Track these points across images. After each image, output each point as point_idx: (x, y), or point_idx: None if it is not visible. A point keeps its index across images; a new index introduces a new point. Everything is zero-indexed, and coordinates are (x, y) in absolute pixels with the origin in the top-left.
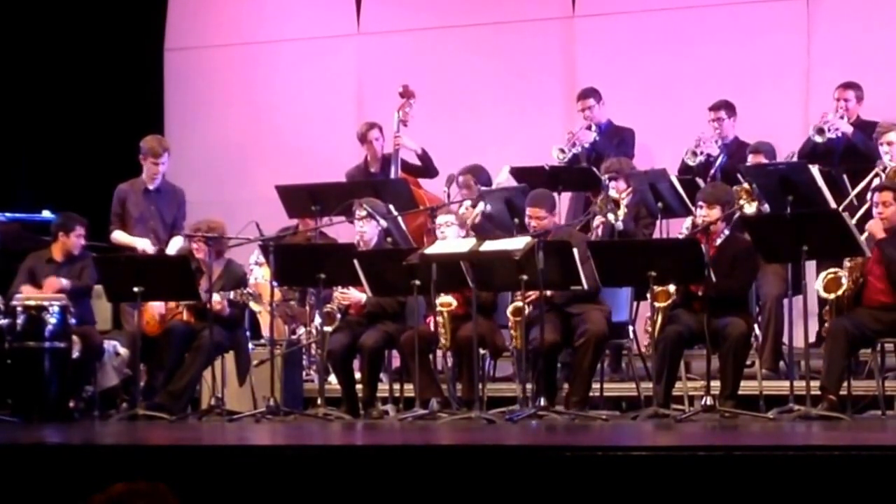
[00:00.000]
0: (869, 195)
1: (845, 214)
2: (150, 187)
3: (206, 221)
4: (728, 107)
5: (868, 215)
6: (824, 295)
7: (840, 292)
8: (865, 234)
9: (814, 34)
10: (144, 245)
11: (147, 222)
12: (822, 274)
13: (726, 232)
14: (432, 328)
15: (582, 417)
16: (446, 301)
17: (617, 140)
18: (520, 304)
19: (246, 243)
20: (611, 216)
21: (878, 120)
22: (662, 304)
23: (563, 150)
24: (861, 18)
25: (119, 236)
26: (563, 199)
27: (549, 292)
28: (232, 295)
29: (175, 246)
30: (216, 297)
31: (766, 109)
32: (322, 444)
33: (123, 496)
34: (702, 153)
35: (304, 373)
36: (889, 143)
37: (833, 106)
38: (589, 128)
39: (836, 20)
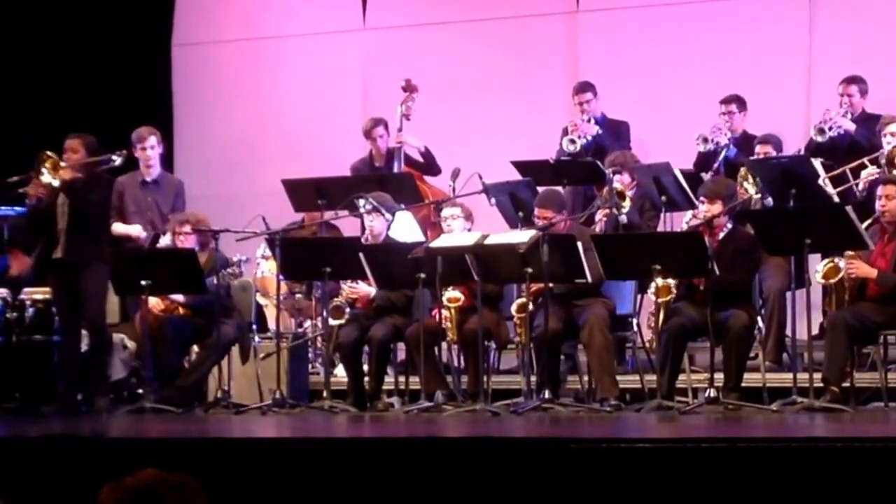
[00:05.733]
0: (862, 183)
1: (849, 208)
2: (147, 179)
3: (192, 214)
4: (739, 101)
5: (864, 205)
6: (822, 282)
7: (838, 278)
8: (867, 223)
9: (816, 27)
10: (137, 231)
11: (144, 214)
12: (822, 262)
13: (729, 226)
14: (438, 321)
15: (586, 409)
16: (454, 297)
17: (614, 134)
18: (523, 300)
19: (252, 237)
20: (615, 209)
21: (881, 113)
22: (663, 300)
23: (573, 141)
24: (863, 11)
25: (117, 227)
26: (566, 193)
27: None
28: (214, 280)
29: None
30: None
31: (769, 102)
32: (328, 436)
33: (154, 484)
34: (713, 141)
35: (309, 366)
36: (892, 134)
37: (837, 101)
38: (588, 121)
39: (838, 13)
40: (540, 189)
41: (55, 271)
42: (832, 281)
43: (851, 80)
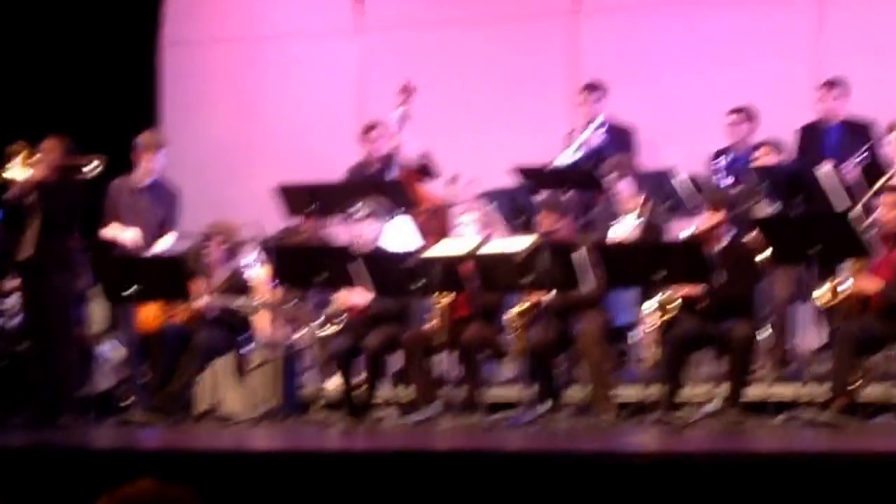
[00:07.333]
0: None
1: (850, 216)
2: (144, 184)
3: (222, 223)
4: (745, 111)
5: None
6: (825, 300)
7: (838, 300)
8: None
9: (824, 31)
10: (131, 236)
11: (136, 221)
12: (824, 286)
13: (731, 234)
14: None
15: (586, 422)
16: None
17: (618, 142)
18: (518, 308)
19: (244, 245)
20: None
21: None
22: (664, 318)
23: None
24: (873, 14)
25: (111, 230)
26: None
27: (545, 299)
28: (238, 303)
29: (164, 244)
30: (205, 297)
31: (775, 107)
32: (320, 448)
33: (153, 497)
34: None
35: (302, 375)
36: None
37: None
38: (598, 127)
39: (847, 17)
40: (540, 194)
41: (22, 273)
42: (833, 302)
43: (832, 83)
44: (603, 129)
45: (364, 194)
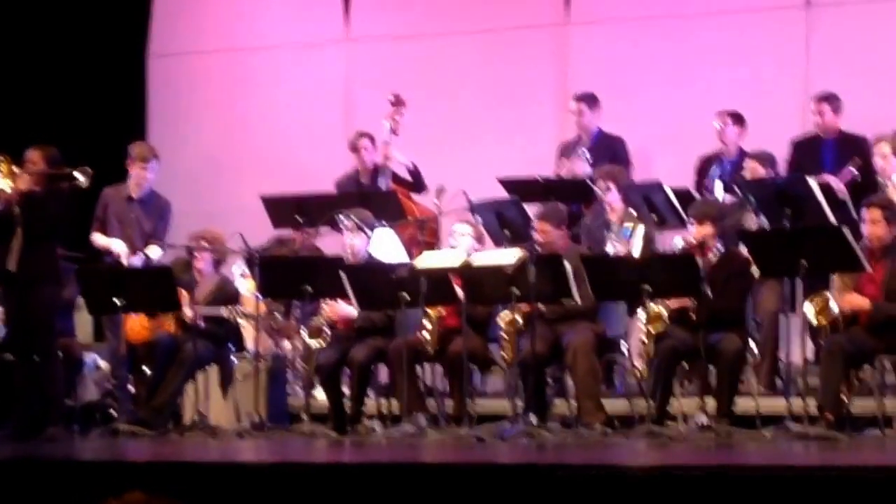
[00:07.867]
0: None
1: (845, 229)
2: (134, 195)
3: (208, 231)
4: (734, 115)
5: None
6: (815, 322)
7: (832, 318)
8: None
9: (812, 43)
10: (119, 247)
11: (124, 230)
12: (810, 303)
13: (720, 247)
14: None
15: (574, 435)
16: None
17: (610, 155)
18: (510, 315)
19: (231, 254)
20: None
21: (884, 128)
22: (655, 330)
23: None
24: (860, 24)
25: (98, 239)
26: None
27: (541, 307)
28: (225, 312)
29: (152, 255)
30: (188, 309)
31: (764, 118)
32: (307, 461)
33: None
34: None
35: (288, 388)
36: (882, 157)
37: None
38: (584, 149)
39: (834, 28)
40: (527, 207)
41: (7, 284)
42: (825, 323)
43: (823, 97)
44: (588, 158)
45: (348, 206)
